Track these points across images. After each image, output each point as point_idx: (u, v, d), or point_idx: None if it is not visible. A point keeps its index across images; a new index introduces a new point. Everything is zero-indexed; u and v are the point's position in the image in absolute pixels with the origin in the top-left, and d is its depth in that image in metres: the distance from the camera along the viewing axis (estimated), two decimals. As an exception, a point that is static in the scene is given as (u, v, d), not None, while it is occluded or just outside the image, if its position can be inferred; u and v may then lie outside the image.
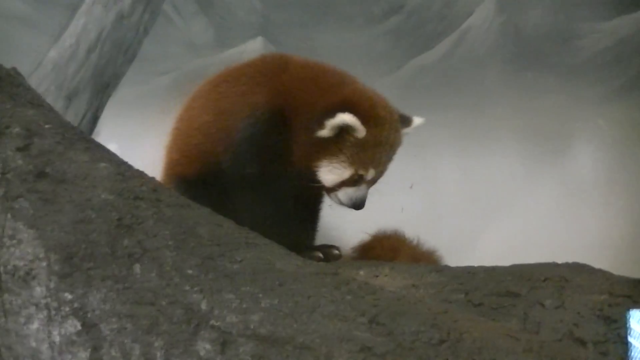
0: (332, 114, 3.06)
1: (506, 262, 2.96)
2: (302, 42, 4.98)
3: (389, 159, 3.28)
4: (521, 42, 4.88)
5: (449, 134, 4.78)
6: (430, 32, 5.05)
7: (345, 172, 3.16)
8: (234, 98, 3.31)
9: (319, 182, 3.19)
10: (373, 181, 3.25)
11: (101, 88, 4.67)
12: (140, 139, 4.60)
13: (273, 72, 3.31)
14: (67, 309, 2.44)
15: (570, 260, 2.87)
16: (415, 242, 3.60)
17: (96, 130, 4.65)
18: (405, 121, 3.34)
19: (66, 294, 2.46)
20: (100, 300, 2.45)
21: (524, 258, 2.98)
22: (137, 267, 2.50)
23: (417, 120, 3.38)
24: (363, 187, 3.21)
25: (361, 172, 3.17)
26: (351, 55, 4.96)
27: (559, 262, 2.87)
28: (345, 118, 3.05)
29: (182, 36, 5.02)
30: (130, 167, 2.81)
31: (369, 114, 3.12)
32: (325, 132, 3.09)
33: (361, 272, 3.04)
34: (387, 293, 2.57)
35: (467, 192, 4.65)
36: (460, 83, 4.90)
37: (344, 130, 3.09)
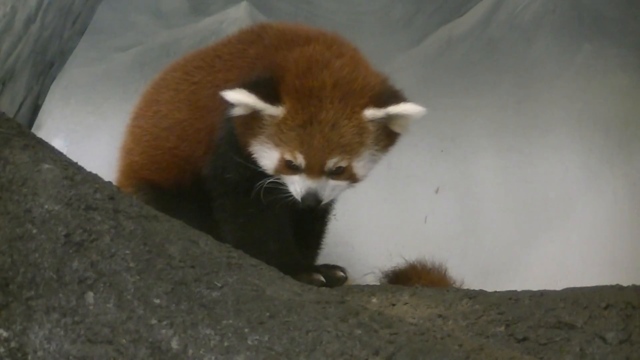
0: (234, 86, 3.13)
1: (558, 285, 2.98)
2: (299, 8, 5.00)
3: (337, 144, 3.13)
4: (577, 6, 4.87)
5: (485, 124, 4.78)
6: (461, -7, 5.07)
7: (273, 155, 3.17)
8: (211, 90, 3.36)
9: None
10: (325, 172, 3.15)
11: (43, 68, 4.70)
12: (94, 133, 4.63)
13: (247, 50, 3.36)
14: (2, 349, 2.46)
15: (638, 282, 2.89)
16: (459, 284, 3.66)
17: (37, 122, 4.67)
18: (389, 100, 3.18)
19: (0, 331, 2.47)
20: (43, 338, 2.46)
21: (580, 280, 3.00)
22: (90, 296, 2.51)
23: (408, 108, 3.18)
24: (305, 177, 3.15)
25: (287, 156, 3.15)
26: (361, 24, 4.97)
27: (625, 284, 2.88)
28: (232, 97, 3.10)
29: (146, 2, 5.04)
30: (80, 169, 2.82)
31: (294, 84, 3.12)
32: (237, 110, 3.14)
33: (374, 300, 3.06)
34: (407, 326, 2.58)
35: (509, 198, 4.64)
36: (500, 58, 4.90)
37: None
